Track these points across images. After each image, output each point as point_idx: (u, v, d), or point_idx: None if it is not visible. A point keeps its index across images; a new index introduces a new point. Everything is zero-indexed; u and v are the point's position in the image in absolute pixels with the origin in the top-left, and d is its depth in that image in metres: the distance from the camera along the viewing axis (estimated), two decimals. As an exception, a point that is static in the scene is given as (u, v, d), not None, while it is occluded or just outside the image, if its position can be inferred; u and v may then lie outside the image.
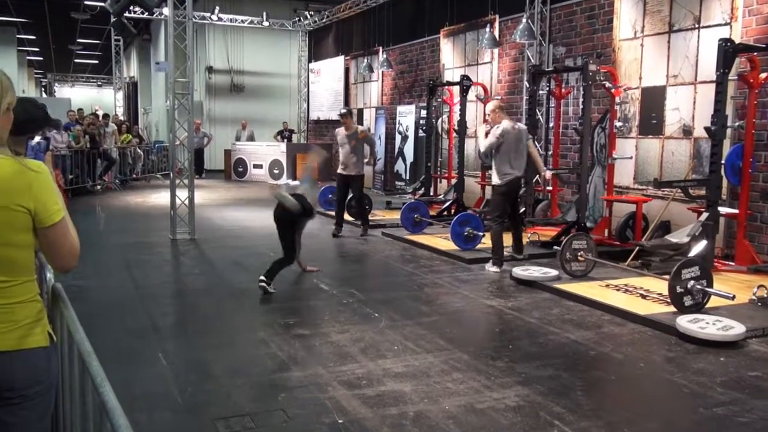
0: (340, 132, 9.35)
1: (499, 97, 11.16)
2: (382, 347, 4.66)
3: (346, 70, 18.46)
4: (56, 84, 44.28)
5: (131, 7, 14.40)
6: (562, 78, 9.72)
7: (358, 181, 9.39)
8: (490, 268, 7.23)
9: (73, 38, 28.71)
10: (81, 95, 40.95)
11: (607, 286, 6.35)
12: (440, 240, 8.76)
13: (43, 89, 44.86)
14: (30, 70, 38.35)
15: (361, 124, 17.35)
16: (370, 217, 10.20)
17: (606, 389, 4.13)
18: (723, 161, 6.68)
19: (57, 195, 1.92)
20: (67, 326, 2.19)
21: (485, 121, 7.09)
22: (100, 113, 18.40)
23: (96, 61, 36.30)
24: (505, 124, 7.16)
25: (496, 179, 7.23)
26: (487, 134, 7.30)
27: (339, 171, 9.48)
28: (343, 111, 9.49)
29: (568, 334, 5.03)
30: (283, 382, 4.01)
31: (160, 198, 13.42)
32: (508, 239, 7.49)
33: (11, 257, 1.86)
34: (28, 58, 34.81)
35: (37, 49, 32.93)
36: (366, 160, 9.42)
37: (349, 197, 9.84)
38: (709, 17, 8.07)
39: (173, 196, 9.25)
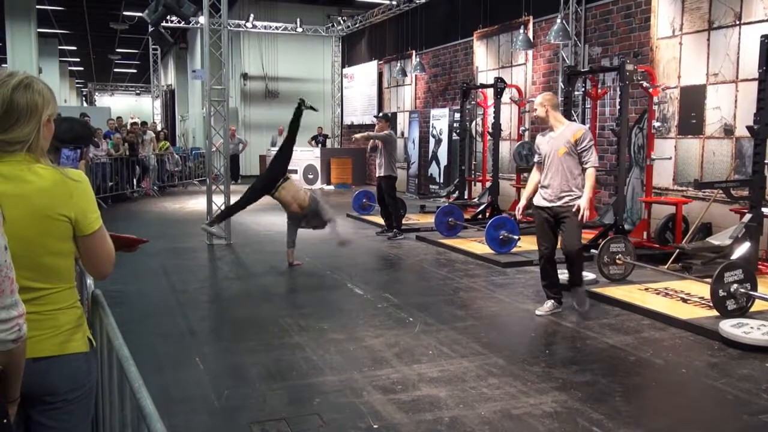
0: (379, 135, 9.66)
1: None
2: (417, 352, 4.64)
3: (380, 75, 18.52)
4: (96, 93, 45.42)
5: (168, 17, 14.67)
6: (598, 78, 9.59)
7: (384, 183, 9.54)
8: (582, 303, 5.58)
9: (113, 48, 29.41)
10: (120, 103, 41.92)
11: (647, 289, 6.23)
12: (475, 244, 8.71)
13: (83, 98, 46.02)
14: (71, 80, 39.41)
15: (395, 128, 17.44)
16: (403, 221, 10.23)
17: (646, 395, 4.04)
18: (766, 161, 6.50)
19: (95, 204, 1.96)
20: (107, 332, 2.24)
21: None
22: (137, 122, 18.78)
23: (134, 70, 37.12)
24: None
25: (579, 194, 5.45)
26: None
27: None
28: (380, 115, 9.86)
29: (606, 338, 4.94)
30: (318, 386, 4.02)
31: (197, 204, 13.62)
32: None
33: (54, 265, 1.91)
34: (69, 68, 35.77)
35: (77, 60, 33.82)
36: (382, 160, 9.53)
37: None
38: (750, 13, 7.88)
39: (210, 201, 9.39)
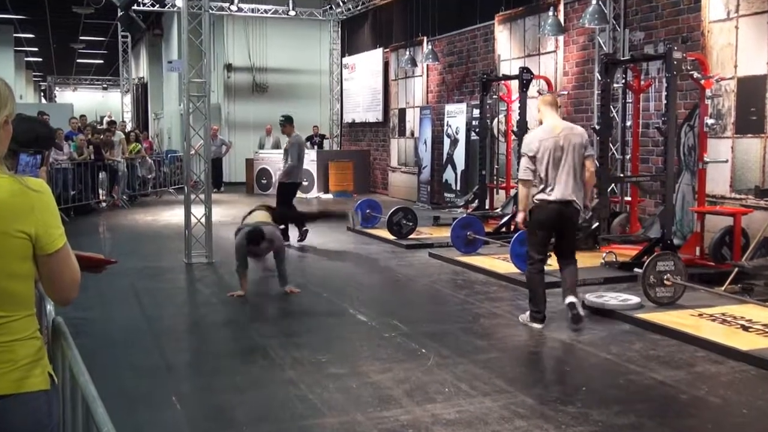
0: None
1: (563, 92, 11.08)
2: (431, 389, 4.64)
3: (386, 65, 18.60)
4: (57, 87, 45.73)
5: (140, -1, 14.80)
6: (640, 68, 9.60)
7: (279, 189, 10.76)
8: (526, 321, 6.18)
9: (76, 36, 29.65)
10: (84, 99, 42.14)
11: (701, 315, 6.21)
12: (498, 261, 8.71)
13: (42, 94, 46.35)
14: (28, 73, 39.72)
15: (404, 127, 17.51)
16: (414, 236, 10.50)
17: (701, 440, 4.03)
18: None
19: (59, 218, 1.97)
20: (70, 367, 2.25)
21: None
22: (112, 120, 18.89)
23: (101, 61, 37.41)
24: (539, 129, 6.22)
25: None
26: None
27: None
28: (281, 119, 10.94)
29: (653, 373, 4.93)
30: (315, 429, 4.02)
31: (173, 216, 13.67)
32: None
33: (11, 290, 1.91)
34: (26, 59, 36.06)
35: (36, 49, 34.13)
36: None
37: (391, 211, 10.57)
38: (818, -8, 7.89)
39: (188, 213, 9.41)
